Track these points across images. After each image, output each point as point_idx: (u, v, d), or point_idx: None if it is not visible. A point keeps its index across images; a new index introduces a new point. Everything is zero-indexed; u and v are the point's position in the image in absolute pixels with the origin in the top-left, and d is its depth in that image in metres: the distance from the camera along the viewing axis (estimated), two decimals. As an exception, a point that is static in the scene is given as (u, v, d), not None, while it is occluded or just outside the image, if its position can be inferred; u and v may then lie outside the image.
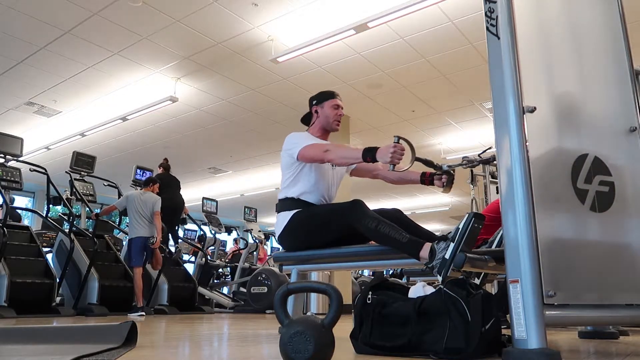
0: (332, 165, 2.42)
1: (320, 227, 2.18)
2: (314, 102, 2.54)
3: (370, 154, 2.03)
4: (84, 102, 7.08)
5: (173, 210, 6.41)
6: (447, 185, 2.23)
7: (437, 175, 2.27)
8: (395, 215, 2.12)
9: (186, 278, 6.46)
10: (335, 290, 1.32)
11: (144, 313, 4.99)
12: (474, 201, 4.75)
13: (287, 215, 2.29)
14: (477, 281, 2.67)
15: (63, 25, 5.14)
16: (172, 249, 6.63)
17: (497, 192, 2.48)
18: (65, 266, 5.21)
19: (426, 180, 2.32)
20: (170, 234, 6.58)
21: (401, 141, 2.00)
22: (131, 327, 1.78)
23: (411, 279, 3.65)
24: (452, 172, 2.23)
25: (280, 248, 2.42)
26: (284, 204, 2.34)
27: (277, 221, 2.35)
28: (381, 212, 2.10)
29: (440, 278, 1.68)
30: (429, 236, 2.04)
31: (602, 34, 1.78)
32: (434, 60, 5.86)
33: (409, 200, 13.15)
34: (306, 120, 2.59)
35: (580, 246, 1.51)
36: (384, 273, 8.91)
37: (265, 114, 7.53)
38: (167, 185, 6.50)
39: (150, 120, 7.71)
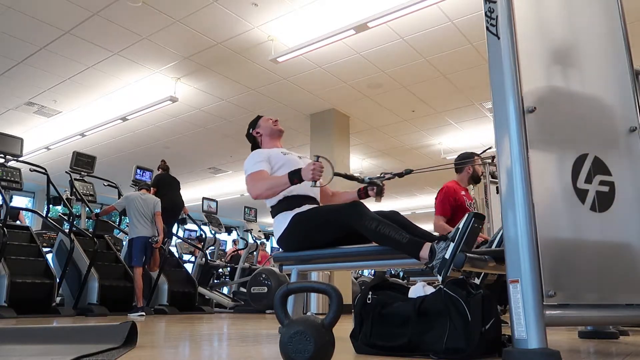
0: (300, 157, 2.57)
1: (320, 227, 2.20)
2: (250, 130, 2.76)
3: (296, 175, 2.16)
4: (84, 102, 7.08)
5: (173, 210, 6.41)
6: (378, 195, 2.41)
7: (369, 187, 2.46)
8: (393, 217, 2.13)
9: (186, 278, 6.46)
10: (335, 290, 1.32)
11: (144, 313, 4.99)
12: (474, 201, 4.74)
13: (286, 216, 2.30)
14: (477, 281, 2.67)
15: (63, 25, 5.14)
16: (172, 249, 6.63)
17: (497, 192, 2.48)
18: (65, 266, 5.21)
19: (362, 194, 2.50)
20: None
21: (320, 159, 2.14)
22: (131, 327, 1.78)
23: (411, 279, 3.65)
24: (380, 183, 2.42)
25: (280, 250, 2.44)
26: (279, 207, 2.37)
27: (275, 224, 2.37)
28: (379, 214, 2.11)
29: (440, 278, 1.68)
30: (428, 236, 2.05)
31: (602, 34, 1.78)
32: (434, 60, 5.86)
33: (409, 200, 13.16)
34: (254, 147, 2.74)
35: (581, 246, 1.51)
36: (385, 273, 8.91)
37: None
38: (167, 185, 6.51)
39: (150, 120, 7.71)
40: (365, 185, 2.48)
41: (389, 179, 2.55)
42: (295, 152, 2.69)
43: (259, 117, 2.79)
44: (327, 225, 2.17)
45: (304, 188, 2.34)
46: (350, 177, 2.44)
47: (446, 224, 3.44)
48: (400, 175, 2.49)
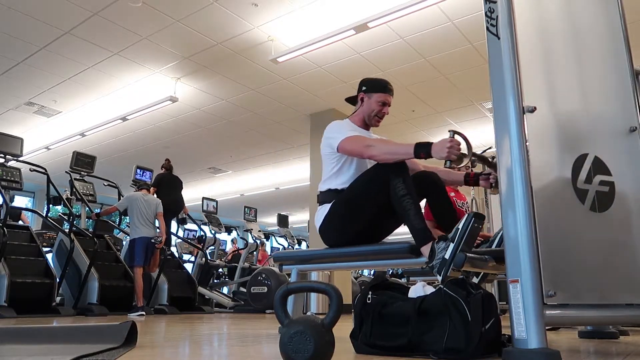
0: None
1: (360, 196, 2.03)
2: (364, 88, 2.32)
3: (424, 149, 1.85)
4: (84, 102, 7.08)
5: (172, 209, 6.41)
6: (497, 186, 2.02)
7: (483, 174, 2.12)
8: (431, 179, 2.11)
9: (186, 278, 6.47)
10: (335, 290, 1.32)
11: (144, 313, 4.99)
12: (474, 201, 4.75)
13: (328, 206, 2.16)
14: (476, 281, 2.67)
15: (63, 25, 5.14)
16: (173, 249, 6.63)
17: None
18: (65, 266, 5.21)
19: (471, 180, 2.18)
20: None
21: (456, 136, 1.84)
22: (131, 327, 1.78)
23: (411, 278, 3.65)
24: None
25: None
26: (326, 196, 2.18)
27: (317, 214, 2.19)
28: (420, 175, 2.07)
29: (440, 278, 1.68)
30: (453, 218, 2.02)
31: (602, 34, 1.78)
32: (434, 60, 5.86)
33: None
34: (351, 100, 2.40)
35: (581, 246, 1.51)
36: (385, 274, 8.90)
37: (265, 114, 7.52)
38: (169, 184, 6.52)
39: (150, 120, 7.71)
40: (479, 172, 2.14)
41: None
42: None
43: (383, 89, 2.29)
44: (367, 189, 2.00)
45: None
46: (485, 160, 2.04)
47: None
48: None
